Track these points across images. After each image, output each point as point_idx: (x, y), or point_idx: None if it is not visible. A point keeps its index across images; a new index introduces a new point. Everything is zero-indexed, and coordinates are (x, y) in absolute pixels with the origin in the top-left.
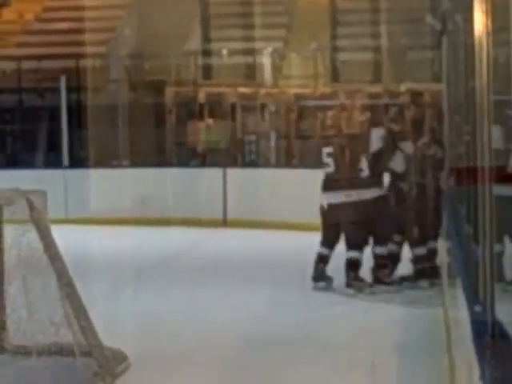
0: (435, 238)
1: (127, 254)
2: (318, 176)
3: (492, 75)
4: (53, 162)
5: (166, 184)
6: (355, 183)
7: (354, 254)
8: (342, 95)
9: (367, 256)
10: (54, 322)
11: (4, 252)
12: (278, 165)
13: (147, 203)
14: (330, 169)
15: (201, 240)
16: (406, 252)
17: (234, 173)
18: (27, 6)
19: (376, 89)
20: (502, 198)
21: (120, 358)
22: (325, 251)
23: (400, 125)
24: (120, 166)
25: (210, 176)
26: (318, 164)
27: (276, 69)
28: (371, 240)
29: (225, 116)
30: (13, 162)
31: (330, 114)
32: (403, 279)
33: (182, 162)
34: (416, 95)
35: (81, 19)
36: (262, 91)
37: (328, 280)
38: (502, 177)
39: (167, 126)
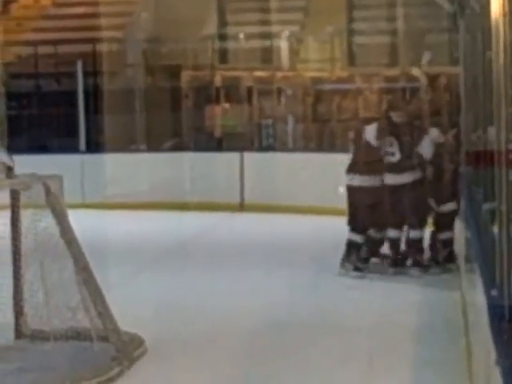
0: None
1: (144, 239)
2: (334, 160)
3: (509, 57)
4: (70, 146)
5: (182, 168)
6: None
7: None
8: (358, 79)
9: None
10: (70, 306)
11: (21, 237)
12: (294, 149)
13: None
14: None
15: (218, 224)
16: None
17: (250, 157)
18: None
19: (393, 72)
20: None
21: (137, 342)
22: (353, 236)
23: (417, 108)
24: (137, 150)
25: (227, 160)
26: (334, 148)
27: (293, 52)
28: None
29: (241, 100)
30: (30, 147)
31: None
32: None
33: (199, 147)
34: (433, 78)
35: (97, 3)
36: (279, 75)
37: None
38: None
39: (184, 110)
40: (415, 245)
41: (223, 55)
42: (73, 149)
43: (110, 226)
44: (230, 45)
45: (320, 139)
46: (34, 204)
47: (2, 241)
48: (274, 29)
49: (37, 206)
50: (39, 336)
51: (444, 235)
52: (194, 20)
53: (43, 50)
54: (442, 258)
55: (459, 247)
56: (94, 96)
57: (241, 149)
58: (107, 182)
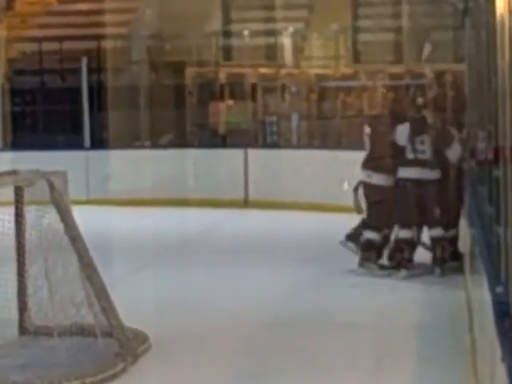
0: (456, 223)
1: (148, 235)
2: (338, 157)
3: None
4: (74, 143)
5: (186, 165)
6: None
7: (373, 235)
8: (363, 76)
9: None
10: (75, 302)
11: (25, 233)
12: (298, 146)
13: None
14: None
15: (222, 221)
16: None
17: (255, 154)
18: None
19: (397, 69)
20: None
21: (141, 338)
22: (371, 235)
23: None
24: (141, 147)
25: (231, 157)
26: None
27: (297, 50)
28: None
29: (245, 97)
30: (34, 144)
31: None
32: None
33: (203, 143)
34: (438, 76)
35: (102, 0)
36: (283, 72)
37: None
38: None
39: (188, 107)
40: (440, 243)
41: (227, 52)
42: (77, 145)
43: (115, 223)
44: (235, 42)
45: (324, 136)
46: (38, 200)
47: (6, 237)
48: (279, 26)
49: (41, 202)
50: (43, 332)
51: (449, 233)
52: (198, 17)
53: (48, 46)
54: (448, 256)
55: (464, 245)
56: (98, 92)
57: (245, 145)
58: (111, 178)
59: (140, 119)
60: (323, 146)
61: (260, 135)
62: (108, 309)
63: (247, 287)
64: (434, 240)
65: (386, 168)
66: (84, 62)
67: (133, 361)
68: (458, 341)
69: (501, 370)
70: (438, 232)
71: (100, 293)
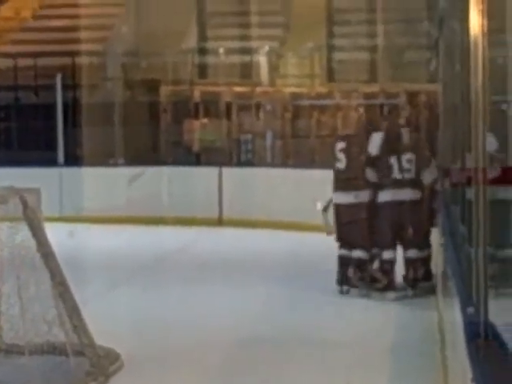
0: (428, 242)
1: (122, 253)
2: (313, 176)
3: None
4: (48, 159)
5: (160, 183)
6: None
7: (361, 254)
8: (337, 95)
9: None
10: (46, 320)
11: None
12: (273, 164)
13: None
14: (341, 165)
15: (196, 239)
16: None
17: (229, 172)
18: (24, 3)
19: (372, 88)
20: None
21: (113, 357)
22: (344, 252)
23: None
24: (115, 164)
25: (206, 175)
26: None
27: (272, 68)
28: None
29: (220, 115)
30: (8, 160)
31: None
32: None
33: (177, 161)
34: (412, 95)
35: (77, 17)
36: (258, 90)
37: (350, 284)
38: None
39: (162, 124)
40: (413, 264)
41: (203, 70)
42: (51, 162)
43: (88, 240)
44: (210, 59)
45: (298, 155)
46: (11, 217)
47: None
48: (254, 44)
49: (14, 219)
50: (14, 350)
51: (422, 253)
52: (173, 34)
53: (22, 62)
54: (420, 277)
55: (437, 265)
56: (72, 109)
57: (219, 164)
58: (85, 195)
59: (114, 136)
60: (297, 164)
61: (234, 153)
62: (80, 327)
63: (221, 306)
64: (408, 261)
65: (362, 185)
66: (58, 78)
67: (104, 380)
68: (430, 361)
69: None
70: (413, 253)
71: (72, 311)
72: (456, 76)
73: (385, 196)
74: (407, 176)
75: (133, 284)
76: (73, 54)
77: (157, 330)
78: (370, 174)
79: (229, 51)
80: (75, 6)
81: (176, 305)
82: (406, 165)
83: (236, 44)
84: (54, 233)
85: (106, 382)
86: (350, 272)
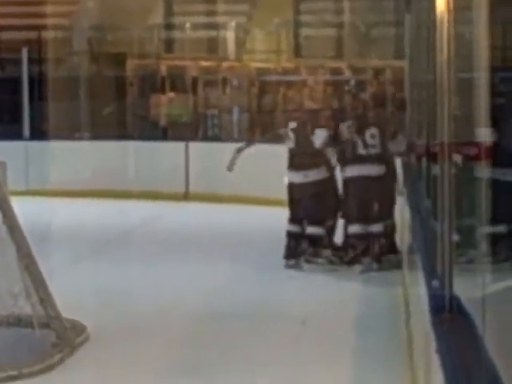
0: (391, 214)
1: (87, 227)
2: (279, 150)
3: (453, 52)
4: (13, 133)
5: (127, 157)
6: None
7: (315, 230)
8: (304, 70)
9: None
10: (12, 293)
11: None
12: (239, 139)
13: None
14: (292, 144)
15: (162, 213)
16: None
17: (195, 147)
18: None
19: (338, 64)
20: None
21: (79, 329)
22: (293, 228)
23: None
24: (81, 138)
25: (172, 150)
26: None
27: (239, 43)
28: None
29: (187, 90)
30: None
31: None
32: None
33: (144, 135)
34: (378, 71)
35: None
36: (225, 65)
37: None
38: None
39: (129, 98)
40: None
41: (169, 45)
42: (17, 135)
43: (54, 214)
44: (176, 34)
45: (265, 130)
46: None
47: None
48: (221, 19)
49: None
50: None
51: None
52: (140, 9)
53: None
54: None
55: (402, 239)
56: (38, 83)
57: (186, 138)
58: (51, 169)
59: (80, 110)
60: (264, 139)
61: (201, 128)
62: (46, 299)
63: (185, 280)
64: (373, 235)
65: (312, 164)
66: (24, 52)
67: (70, 352)
68: (395, 333)
69: (435, 361)
70: (379, 227)
71: (38, 283)
72: (422, 52)
73: (350, 172)
74: (373, 151)
75: (98, 257)
76: (39, 27)
77: (122, 303)
78: (330, 153)
79: (195, 26)
80: None
81: (140, 279)
82: (370, 140)
83: (202, 19)
84: (20, 206)
85: (71, 354)
86: (303, 247)
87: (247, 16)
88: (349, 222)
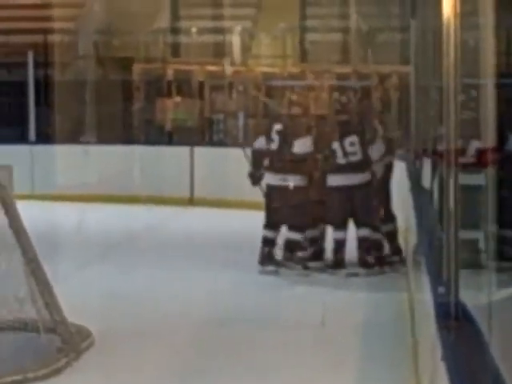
0: (392, 220)
1: (93, 231)
2: None
3: (459, 58)
4: (19, 137)
5: (132, 161)
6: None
7: (293, 235)
8: (309, 75)
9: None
10: (18, 297)
11: None
12: (245, 144)
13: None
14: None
15: (167, 218)
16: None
17: (201, 151)
18: None
19: (344, 70)
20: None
21: (84, 334)
22: (269, 234)
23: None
24: (87, 142)
25: (178, 154)
26: None
27: (245, 48)
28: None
29: (193, 94)
30: None
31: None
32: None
33: (149, 140)
34: (384, 77)
35: None
36: (230, 70)
37: (276, 263)
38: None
39: (135, 103)
40: (365, 243)
41: (175, 49)
42: (22, 139)
43: (60, 218)
44: (183, 39)
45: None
46: None
47: None
48: (227, 24)
49: None
50: None
51: (387, 227)
52: (146, 13)
53: None
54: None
55: (407, 244)
56: (44, 87)
57: (191, 143)
58: (57, 173)
59: (86, 114)
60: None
61: (207, 133)
62: (51, 304)
63: (191, 285)
64: (360, 240)
65: (291, 169)
66: (30, 55)
67: (75, 356)
68: (400, 340)
69: (441, 368)
70: (365, 232)
71: (44, 288)
72: (428, 58)
73: (333, 181)
74: (353, 159)
75: (104, 262)
76: (45, 31)
77: (128, 308)
78: (315, 161)
79: (201, 30)
80: None
81: (146, 284)
82: (349, 148)
83: (209, 23)
84: (26, 210)
85: (77, 359)
86: (277, 253)
87: (253, 20)
88: (334, 229)
